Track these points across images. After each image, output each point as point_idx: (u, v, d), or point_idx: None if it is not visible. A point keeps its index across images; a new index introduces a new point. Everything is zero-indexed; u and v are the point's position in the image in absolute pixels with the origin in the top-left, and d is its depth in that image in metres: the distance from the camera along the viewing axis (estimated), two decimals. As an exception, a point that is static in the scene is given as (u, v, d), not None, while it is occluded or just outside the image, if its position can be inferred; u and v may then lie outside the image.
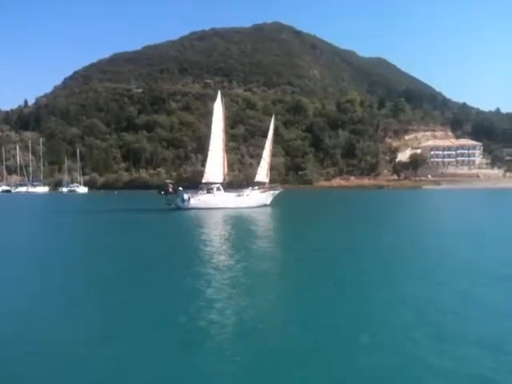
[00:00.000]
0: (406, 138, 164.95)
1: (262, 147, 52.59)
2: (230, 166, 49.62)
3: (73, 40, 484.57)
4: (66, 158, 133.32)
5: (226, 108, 47.76)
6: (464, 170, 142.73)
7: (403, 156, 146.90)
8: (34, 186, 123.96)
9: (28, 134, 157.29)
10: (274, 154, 55.29)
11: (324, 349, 7.15)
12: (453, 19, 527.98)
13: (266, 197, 46.30)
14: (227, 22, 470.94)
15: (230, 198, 43.43)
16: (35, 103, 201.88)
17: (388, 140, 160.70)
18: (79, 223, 32.37)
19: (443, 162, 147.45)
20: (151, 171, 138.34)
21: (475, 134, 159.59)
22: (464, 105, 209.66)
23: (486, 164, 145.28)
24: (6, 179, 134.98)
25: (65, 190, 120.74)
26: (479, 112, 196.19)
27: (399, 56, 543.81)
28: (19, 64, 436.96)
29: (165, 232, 26.10)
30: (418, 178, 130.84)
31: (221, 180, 44.30)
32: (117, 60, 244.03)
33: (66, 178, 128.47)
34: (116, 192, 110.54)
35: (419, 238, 21.12)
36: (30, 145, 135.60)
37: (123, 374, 6.42)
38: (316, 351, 7.05)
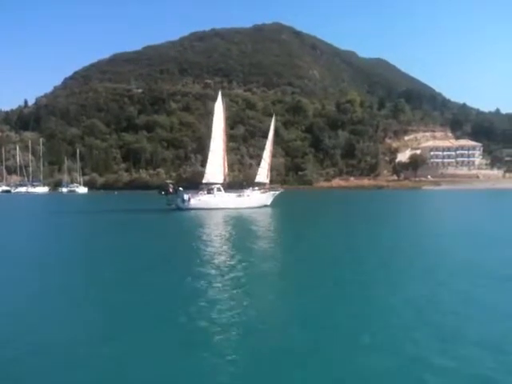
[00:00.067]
0: (406, 138, 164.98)
1: (262, 148, 52.66)
2: (230, 166, 49.63)
3: (73, 40, 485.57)
4: (65, 158, 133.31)
5: (226, 108, 47.76)
6: (464, 170, 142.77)
7: (403, 156, 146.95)
8: (33, 186, 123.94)
9: (28, 134, 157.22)
10: (273, 155, 55.29)
11: (324, 349, 7.16)
12: (453, 19, 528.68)
13: (267, 197, 46.31)
14: (227, 23, 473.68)
15: (230, 198, 43.44)
16: (35, 103, 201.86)
17: (388, 140, 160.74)
18: (79, 223, 32.38)
19: (443, 163, 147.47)
20: (151, 171, 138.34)
21: (475, 135, 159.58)
22: (464, 105, 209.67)
23: (486, 164, 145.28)
24: (6, 179, 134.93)
25: (65, 190, 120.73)
26: (479, 112, 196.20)
27: (399, 56, 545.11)
28: (19, 64, 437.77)
29: (165, 232, 26.11)
30: (417, 179, 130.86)
31: (221, 180, 44.31)
32: (117, 60, 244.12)
33: (65, 178, 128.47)
34: (116, 192, 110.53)
35: (419, 238, 21.13)
36: (29, 145, 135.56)
37: (123, 374, 6.43)
38: (316, 351, 7.06)
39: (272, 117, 53.10)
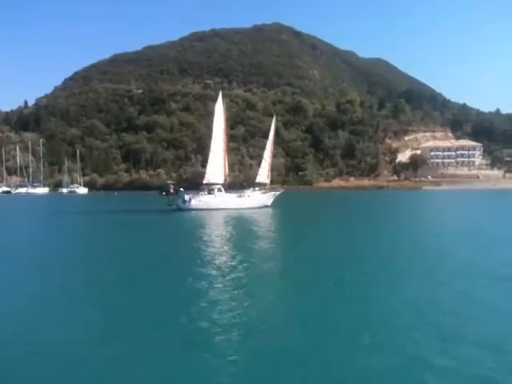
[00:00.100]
0: (406, 138, 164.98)
1: (262, 148, 52.70)
2: (230, 166, 49.65)
3: (73, 40, 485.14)
4: (65, 158, 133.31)
5: (226, 109, 47.79)
6: (464, 170, 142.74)
7: (403, 157, 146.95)
8: (33, 186, 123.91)
9: (28, 135, 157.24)
10: (274, 155, 55.32)
11: (324, 349, 7.17)
12: (453, 19, 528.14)
13: (267, 197, 46.33)
14: (227, 23, 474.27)
15: (231, 198, 43.46)
16: (35, 104, 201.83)
17: (388, 141, 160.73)
18: (80, 224, 32.40)
19: (443, 163, 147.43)
20: (151, 172, 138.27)
21: (475, 135, 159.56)
22: (464, 105, 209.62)
23: (486, 165, 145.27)
24: (6, 180, 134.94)
25: (65, 190, 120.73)
26: (479, 113, 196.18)
27: (399, 57, 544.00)
28: (19, 64, 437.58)
29: (166, 233, 26.12)
30: (417, 179, 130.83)
31: (222, 181, 44.33)
32: (117, 61, 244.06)
33: (65, 178, 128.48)
34: (116, 193, 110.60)
35: (419, 238, 21.15)
36: (29, 146, 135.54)
37: (124, 375, 6.43)
38: (316, 351, 7.07)
39: (272, 117, 53.16)
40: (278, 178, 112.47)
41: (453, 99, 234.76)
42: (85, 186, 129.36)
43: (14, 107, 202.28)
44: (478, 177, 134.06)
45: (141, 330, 8.18)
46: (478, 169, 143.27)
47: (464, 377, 6.20)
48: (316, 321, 8.58)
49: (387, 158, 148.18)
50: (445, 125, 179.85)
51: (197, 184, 48.78)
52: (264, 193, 46.51)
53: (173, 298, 10.50)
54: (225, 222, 30.98)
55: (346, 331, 7.97)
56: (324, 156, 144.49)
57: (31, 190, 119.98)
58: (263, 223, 30.37)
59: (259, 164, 50.99)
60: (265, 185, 48.25)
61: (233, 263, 14.35)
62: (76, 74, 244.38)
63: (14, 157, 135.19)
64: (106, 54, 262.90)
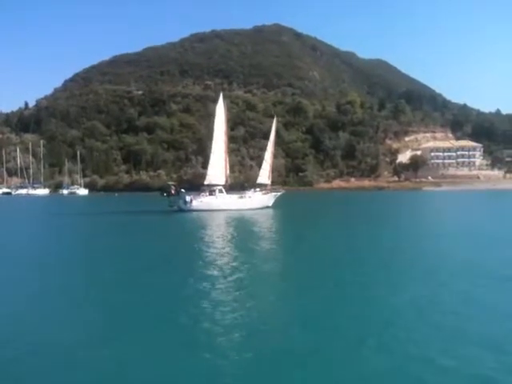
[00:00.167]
0: (406, 139, 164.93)
1: (263, 149, 52.78)
2: (231, 167, 49.69)
3: (73, 41, 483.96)
4: (66, 160, 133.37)
5: (227, 110, 47.84)
6: (464, 171, 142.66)
7: (403, 157, 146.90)
8: (34, 188, 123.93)
9: (28, 136, 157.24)
10: (274, 156, 55.38)
11: (326, 350, 7.20)
12: (453, 19, 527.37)
13: (268, 198, 46.35)
14: (227, 24, 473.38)
15: (232, 199, 43.50)
16: (36, 105, 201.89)
17: (388, 141, 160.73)
18: (80, 225, 32.45)
19: (443, 164, 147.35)
20: (151, 173, 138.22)
21: (475, 136, 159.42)
22: (464, 106, 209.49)
23: (487, 165, 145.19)
24: (7, 181, 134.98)
25: (65, 192, 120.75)
26: (479, 113, 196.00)
27: (399, 57, 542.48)
28: (19, 66, 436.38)
29: (167, 234, 26.17)
30: (418, 180, 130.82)
31: (223, 182, 44.35)
32: (117, 62, 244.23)
33: (66, 180, 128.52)
34: (116, 194, 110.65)
35: (420, 239, 21.21)
36: (30, 147, 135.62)
37: (124, 375, 6.46)
38: (317, 352, 7.10)
39: (272, 118, 53.25)
40: (279, 178, 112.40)
41: (453, 100, 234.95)
42: (85, 187, 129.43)
43: (15, 108, 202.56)
44: (478, 177, 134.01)
45: (141, 331, 8.21)
46: (479, 169, 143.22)
47: (464, 377, 6.23)
48: (317, 321, 8.62)
49: (387, 159, 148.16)
50: (445, 125, 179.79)
51: (197, 185, 48.86)
52: (265, 194, 46.54)
53: (173, 299, 10.55)
54: (226, 222, 31.03)
55: (347, 332, 8.00)
56: (324, 157, 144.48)
57: (31, 192, 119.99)
58: (264, 224, 30.42)
59: (259, 165, 51.04)
60: (266, 186, 48.29)
61: (234, 264, 14.39)
62: (76, 75, 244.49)
63: (15, 158, 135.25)
64: (106, 56, 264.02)
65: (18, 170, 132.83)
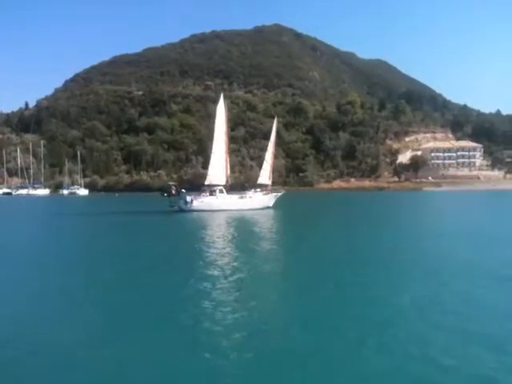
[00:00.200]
0: (407, 139, 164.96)
1: (263, 149, 52.82)
2: (231, 168, 49.69)
3: (73, 42, 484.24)
4: (66, 160, 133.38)
5: (227, 110, 47.85)
6: (464, 171, 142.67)
7: (404, 158, 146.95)
8: (34, 188, 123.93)
9: (29, 137, 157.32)
10: (274, 156, 55.42)
11: (327, 350, 7.20)
12: (453, 19, 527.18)
13: (269, 199, 46.37)
14: (228, 25, 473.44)
15: (232, 200, 43.51)
16: (36, 105, 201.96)
17: (388, 142, 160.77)
18: (80, 225, 32.45)
19: (444, 164, 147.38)
20: (152, 173, 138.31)
21: (475, 136, 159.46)
22: (464, 106, 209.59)
23: (487, 166, 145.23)
24: (7, 181, 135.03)
25: (65, 192, 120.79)
26: (479, 114, 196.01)
27: (399, 57, 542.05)
28: (20, 66, 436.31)
29: (168, 234, 26.18)
30: (418, 180, 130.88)
31: (223, 182, 44.36)
32: (117, 62, 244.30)
33: (66, 180, 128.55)
34: (117, 194, 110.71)
35: (420, 239, 21.24)
36: (30, 147, 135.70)
37: (124, 375, 6.46)
38: (318, 353, 7.10)
39: (273, 118, 53.24)
40: (279, 179, 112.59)
41: (453, 100, 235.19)
42: (85, 187, 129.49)
43: (15, 109, 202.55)
44: (478, 178, 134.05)
45: (142, 331, 8.22)
46: (479, 170, 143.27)
47: (465, 377, 6.24)
48: (318, 322, 8.63)
49: (388, 159, 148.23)
50: (445, 126, 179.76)
51: (197, 185, 48.88)
52: (265, 194, 46.55)
53: (174, 299, 10.56)
54: (227, 223, 31.04)
55: (348, 332, 8.01)
56: (325, 157, 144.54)
57: (32, 192, 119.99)
58: (265, 224, 30.45)
59: (260, 165, 51.05)
60: (266, 186, 48.32)
61: (235, 264, 14.41)
62: (76, 75, 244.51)
63: (15, 158, 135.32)
64: (106, 56, 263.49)
65: (19, 171, 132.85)
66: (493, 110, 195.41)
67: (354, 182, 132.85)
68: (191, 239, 21.93)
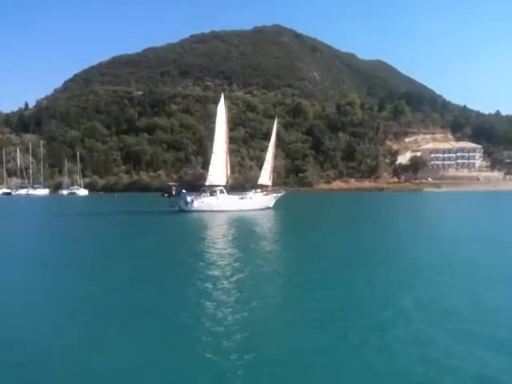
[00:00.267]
0: (406, 140, 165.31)
1: (263, 149, 52.86)
2: (231, 168, 49.65)
3: (73, 42, 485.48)
4: (66, 160, 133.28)
5: (227, 110, 47.81)
6: (464, 172, 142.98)
7: (403, 159, 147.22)
8: (34, 188, 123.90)
9: (28, 137, 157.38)
10: (274, 157, 55.42)
11: (328, 351, 7.14)
12: (453, 19, 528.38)
13: (269, 199, 46.37)
14: (228, 25, 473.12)
15: (233, 200, 43.47)
16: (36, 106, 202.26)
17: (388, 142, 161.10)
18: (80, 226, 32.36)
19: (443, 165, 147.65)
20: (152, 174, 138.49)
21: (475, 137, 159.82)
22: (464, 107, 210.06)
23: (486, 167, 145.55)
24: (7, 182, 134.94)
25: (65, 192, 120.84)
26: (479, 114, 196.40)
27: (399, 58, 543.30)
28: (20, 66, 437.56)
29: (168, 234, 26.11)
30: (418, 181, 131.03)
31: (224, 182, 44.32)
32: (117, 62, 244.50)
33: (66, 180, 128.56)
34: (116, 194, 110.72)
35: (421, 240, 21.22)
36: (30, 147, 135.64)
37: (124, 375, 6.40)
38: (320, 354, 7.04)
39: (272, 119, 53.30)
40: (279, 179, 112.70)
41: (453, 101, 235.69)
42: (85, 187, 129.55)
43: (15, 109, 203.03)
44: (478, 179, 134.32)
45: (142, 331, 8.15)
46: (478, 171, 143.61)
47: (466, 377, 6.19)
48: (319, 322, 8.57)
49: (387, 160, 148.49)
50: (445, 126, 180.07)
51: (197, 186, 48.83)
52: (266, 194, 46.55)
53: (174, 299, 10.50)
54: (227, 223, 30.97)
55: (349, 333, 7.94)
56: (324, 158, 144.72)
57: (31, 192, 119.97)
58: (265, 225, 30.42)
59: (259, 166, 51.05)
60: (267, 186, 48.32)
61: (235, 264, 14.36)
62: (76, 75, 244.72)
63: (15, 158, 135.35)
64: (106, 56, 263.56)
65: (18, 171, 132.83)
66: (492, 111, 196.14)
67: (353, 183, 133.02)
68: (192, 239, 21.86)
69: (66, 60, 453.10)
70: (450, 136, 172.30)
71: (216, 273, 13.03)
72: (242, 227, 28.50)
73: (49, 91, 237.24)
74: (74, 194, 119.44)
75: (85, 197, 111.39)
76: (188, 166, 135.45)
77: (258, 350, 7.16)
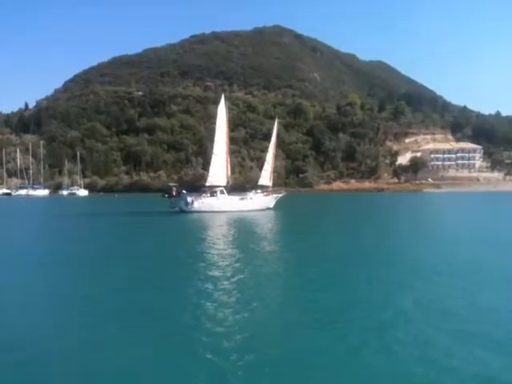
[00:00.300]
0: (407, 141, 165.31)
1: (263, 150, 52.86)
2: (231, 168, 49.66)
3: (73, 42, 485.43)
4: (66, 160, 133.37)
5: (228, 111, 47.80)
6: (464, 173, 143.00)
7: (403, 159, 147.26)
8: (34, 188, 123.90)
9: (28, 137, 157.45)
10: (275, 157, 55.45)
11: (329, 352, 7.13)
12: (453, 19, 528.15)
13: (270, 200, 46.35)
14: (228, 25, 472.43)
15: (233, 201, 43.44)
16: (36, 106, 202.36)
17: (388, 143, 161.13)
18: (80, 226, 32.35)
19: (443, 166, 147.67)
20: (152, 174, 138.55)
21: (475, 138, 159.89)
22: (464, 108, 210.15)
23: (486, 167, 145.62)
24: (7, 182, 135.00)
25: (65, 192, 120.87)
26: (479, 115, 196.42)
27: (399, 59, 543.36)
28: (20, 67, 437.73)
29: (168, 235, 26.10)
30: (418, 182, 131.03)
31: (224, 183, 44.30)
32: (117, 63, 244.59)
33: (66, 180, 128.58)
34: (116, 195, 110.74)
35: (421, 240, 21.22)
36: (30, 148, 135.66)
37: (124, 375, 6.39)
38: (320, 354, 7.03)
39: (273, 119, 53.30)
40: (279, 180, 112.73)
41: (453, 101, 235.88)
42: (85, 188, 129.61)
43: (15, 109, 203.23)
44: (478, 179, 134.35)
45: (142, 331, 8.14)
46: (479, 171, 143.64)
47: (466, 377, 6.18)
48: (320, 323, 8.56)
49: (387, 161, 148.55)
50: (445, 127, 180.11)
51: (197, 186, 48.80)
52: (266, 195, 46.53)
53: (175, 299, 10.50)
54: (227, 224, 30.96)
55: (350, 333, 7.93)
56: (325, 158, 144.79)
57: (31, 192, 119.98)
58: (266, 225, 30.42)
59: (260, 166, 51.04)
60: (267, 187, 48.31)
61: (236, 265, 14.35)
62: (76, 76, 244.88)
63: (15, 159, 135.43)
64: (106, 57, 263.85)
65: (18, 171, 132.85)
66: (492, 112, 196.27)
67: (353, 184, 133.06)
68: (192, 240, 21.86)
69: (66, 60, 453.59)
70: (450, 136, 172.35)
71: (216, 273, 13.02)
72: (243, 228, 28.50)
73: (49, 91, 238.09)
74: (74, 194, 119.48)
75: (85, 197, 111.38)
76: (188, 166, 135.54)
77: (258, 351, 7.15)
